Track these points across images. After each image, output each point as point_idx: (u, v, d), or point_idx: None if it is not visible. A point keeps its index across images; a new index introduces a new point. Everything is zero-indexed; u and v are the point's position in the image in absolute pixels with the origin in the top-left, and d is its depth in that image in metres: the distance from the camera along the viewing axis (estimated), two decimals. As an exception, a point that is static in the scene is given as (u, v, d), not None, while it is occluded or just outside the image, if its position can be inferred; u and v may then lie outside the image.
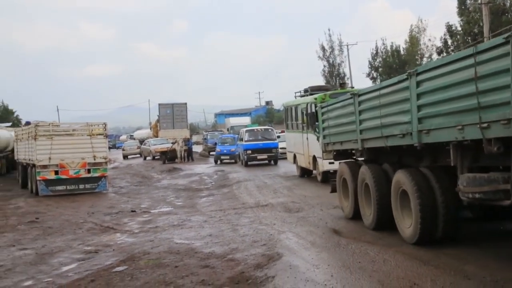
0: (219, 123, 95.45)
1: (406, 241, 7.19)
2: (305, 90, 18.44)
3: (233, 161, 28.60)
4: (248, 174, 21.90)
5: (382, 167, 8.45)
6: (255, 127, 30.04)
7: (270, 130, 27.06)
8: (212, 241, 8.74)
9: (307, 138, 16.94)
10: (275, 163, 25.55)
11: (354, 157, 10.03)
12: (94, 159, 18.13)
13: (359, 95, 8.47)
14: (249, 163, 25.71)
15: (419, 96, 6.40)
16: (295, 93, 19.34)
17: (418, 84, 6.39)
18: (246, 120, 53.20)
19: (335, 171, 14.53)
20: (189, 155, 34.01)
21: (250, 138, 25.84)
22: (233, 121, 52.87)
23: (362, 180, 8.78)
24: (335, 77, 49.07)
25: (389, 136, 7.38)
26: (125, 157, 46.32)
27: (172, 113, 44.47)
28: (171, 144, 35.53)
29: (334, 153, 10.58)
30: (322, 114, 10.77)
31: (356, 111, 8.56)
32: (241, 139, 26.42)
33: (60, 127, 19.59)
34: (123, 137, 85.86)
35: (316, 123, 14.74)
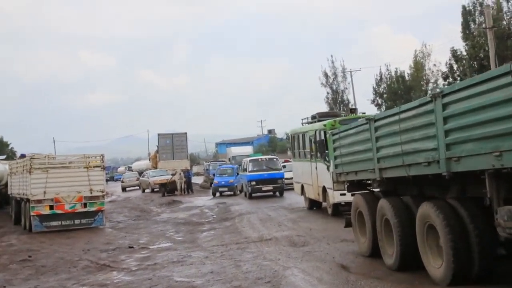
0: (220, 153, 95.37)
1: (437, 283, 6.59)
2: (313, 117, 18.21)
3: (232, 193, 28.33)
4: (251, 206, 21.67)
5: (402, 199, 7.96)
6: (259, 157, 29.87)
7: (275, 159, 26.75)
8: (213, 279, 8.52)
9: (316, 168, 16.55)
10: (281, 194, 25.22)
11: (370, 187, 9.61)
12: (91, 193, 17.95)
13: (376, 120, 8.05)
14: (253, 194, 25.38)
15: (446, 119, 5.95)
16: (302, 119, 19.13)
17: (445, 106, 5.95)
18: (248, 149, 52.97)
19: (346, 203, 14.48)
20: (189, 187, 33.74)
21: (254, 169, 25.55)
22: (235, 150, 52.59)
23: (381, 215, 8.27)
24: (339, 104, 49.04)
25: (412, 164, 6.91)
26: (124, 189, 46.03)
27: (172, 143, 44.52)
28: (171, 176, 35.32)
29: (347, 183, 10.21)
30: (333, 141, 10.46)
31: (373, 137, 8.13)
32: (245, 170, 26.14)
33: (56, 159, 19.39)
34: (121, 168, 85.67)
35: (326, 151, 14.53)
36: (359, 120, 9.61)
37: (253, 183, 24.96)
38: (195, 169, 75.51)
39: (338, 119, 15.63)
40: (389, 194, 8.38)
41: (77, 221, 17.88)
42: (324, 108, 48.66)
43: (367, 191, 9.71)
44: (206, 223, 18.09)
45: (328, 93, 50.51)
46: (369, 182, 9.44)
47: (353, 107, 18.99)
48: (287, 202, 22.02)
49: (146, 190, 38.38)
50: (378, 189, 8.94)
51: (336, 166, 10.38)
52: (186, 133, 45.08)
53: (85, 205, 17.93)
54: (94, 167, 18.34)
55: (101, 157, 18.70)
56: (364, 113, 16.30)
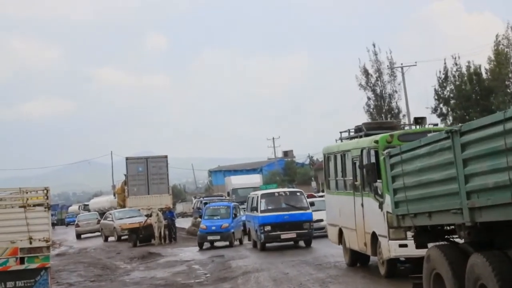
0: (215, 185, 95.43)
1: None
2: (358, 129, 17.74)
3: (226, 243, 28.15)
4: (260, 260, 21.71)
5: (508, 254, 7.46)
6: (274, 190, 29.53)
7: (298, 194, 26.40)
8: None
9: (362, 205, 16.00)
10: (308, 244, 24.92)
11: (452, 236, 9.32)
12: (30, 243, 17.60)
13: (463, 133, 7.61)
14: (267, 245, 24.98)
15: None
16: (341, 133, 18.62)
17: None
18: (256, 179, 52.43)
19: (409, 259, 14.16)
20: (170, 234, 33.60)
21: (269, 207, 25.18)
22: (237, 181, 52.09)
23: (475, 280, 7.79)
24: (385, 114, 48.78)
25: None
26: (78, 235, 46.15)
27: (146, 171, 44.37)
28: (145, 218, 35.15)
29: (415, 230, 9.90)
30: (391, 166, 10.21)
31: (459, 159, 7.69)
32: (254, 209, 25.83)
33: (-21, 194, 19.16)
34: (73, 207, 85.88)
35: (378, 180, 14.17)
36: (431, 134, 9.27)
37: (268, 228, 24.49)
38: (179, 207, 75.64)
39: (396, 133, 14.93)
40: (484, 247, 7.96)
41: (10, 284, 17.56)
42: (364, 119, 48.38)
43: (446, 242, 9.37)
44: (196, 285, 18.03)
45: (369, 98, 50.41)
46: (451, 228, 9.13)
47: (420, 117, 17.89)
48: (313, 254, 21.92)
49: (110, 238, 38.46)
50: (465, 240, 8.56)
51: (396, 204, 10.11)
52: (166, 156, 45.02)
53: (21, 260, 17.60)
54: (34, 205, 17.95)
55: (45, 191, 18.30)
56: (436, 124, 15.84)
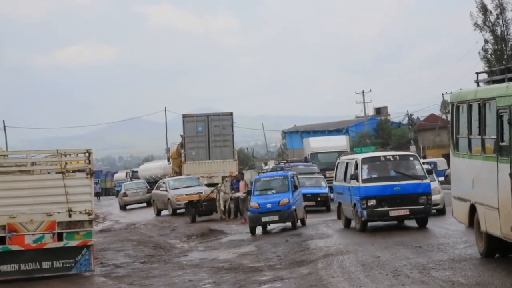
0: (289, 148, 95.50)
1: None
2: (506, 70, 16.30)
3: (287, 223, 27.35)
4: (345, 240, 21.83)
5: None
6: (379, 153, 28.65)
7: (411, 158, 25.36)
8: None
9: (510, 175, 14.70)
10: (423, 224, 24.00)
11: None
12: (70, 216, 18.21)
13: None
14: (369, 223, 24.14)
15: None
16: (477, 74, 17.38)
17: None
18: (341, 141, 51.77)
19: None
20: (238, 208, 33.78)
21: (373, 176, 24.19)
22: (317, 143, 51.78)
23: None
24: (507, 60, 47.60)
25: None
26: (123, 206, 48.15)
27: (207, 131, 44.82)
28: (206, 188, 35.44)
29: None
30: None
31: None
32: (352, 178, 24.63)
33: (10, 158, 19.94)
34: (120, 174, 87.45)
35: None
36: None
37: (372, 202, 23.39)
38: (247, 175, 75.62)
39: None
40: None
41: (46, 265, 18.12)
42: (478, 67, 47.38)
43: None
44: (267, 269, 18.26)
45: (487, 41, 49.34)
46: None
47: None
48: (419, 236, 21.60)
49: (164, 212, 38.97)
50: None
51: None
52: (231, 114, 45.34)
53: (59, 236, 18.18)
54: (74, 171, 18.56)
55: (87, 154, 18.88)
56: None
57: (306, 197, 30.85)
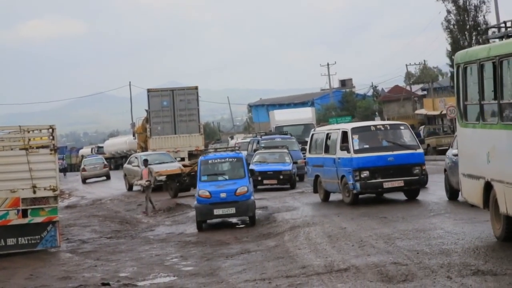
0: (255, 122, 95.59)
1: None
2: None
3: (244, 218, 23.07)
4: (312, 212, 21.85)
5: None
6: (368, 123, 26.97)
7: (402, 127, 24.54)
8: None
9: None
10: (414, 195, 23.26)
11: None
12: (34, 192, 18.17)
13: None
14: (360, 196, 23.35)
15: None
16: (486, 29, 15.48)
17: None
18: (307, 113, 51.37)
19: None
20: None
21: (365, 146, 23.25)
22: (282, 116, 51.51)
23: None
24: (469, 31, 47.99)
25: None
26: (84, 180, 51.71)
27: (172, 106, 44.58)
28: (179, 165, 35.12)
29: None
30: None
31: None
32: (341, 148, 23.51)
33: (-27, 134, 19.61)
34: (85, 149, 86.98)
35: None
36: None
37: (365, 174, 22.62)
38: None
39: None
40: None
41: (11, 241, 18.09)
42: (442, 40, 47.63)
43: None
44: (234, 242, 18.36)
45: (449, 11, 49.61)
46: None
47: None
48: (385, 207, 21.59)
49: (136, 187, 37.85)
50: None
51: None
52: (196, 88, 45.17)
53: (24, 213, 18.13)
54: (38, 147, 18.53)
55: (51, 130, 18.80)
56: None
57: (267, 174, 30.29)
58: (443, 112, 51.56)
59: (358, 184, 22.38)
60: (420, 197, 22.26)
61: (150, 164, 35.83)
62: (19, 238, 18.15)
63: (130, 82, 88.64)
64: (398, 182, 22.54)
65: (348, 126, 24.44)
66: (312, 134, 26.63)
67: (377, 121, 27.97)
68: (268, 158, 32.78)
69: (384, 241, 15.18)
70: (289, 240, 17.09)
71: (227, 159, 23.18)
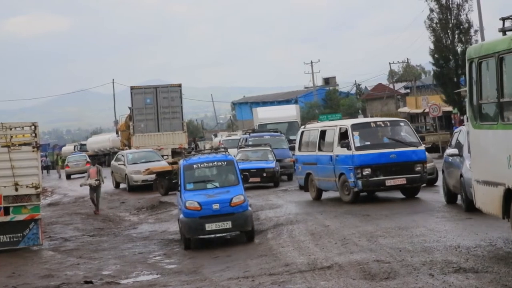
0: (239, 119, 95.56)
1: None
2: None
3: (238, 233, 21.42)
4: (295, 210, 21.92)
5: None
6: (367, 120, 27.00)
7: (402, 124, 24.12)
8: None
9: None
10: (414, 193, 22.79)
11: None
12: (16, 190, 18.09)
13: None
14: (360, 194, 22.73)
15: None
16: (503, 20, 13.41)
17: None
18: (291, 110, 51.00)
19: None
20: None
21: (366, 143, 22.71)
22: (265, 113, 51.05)
23: None
24: (452, 29, 48.20)
25: None
26: (67, 176, 52.65)
27: (156, 103, 44.54)
28: (166, 163, 34.75)
29: None
30: None
31: None
32: (344, 145, 22.88)
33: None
34: (68, 147, 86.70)
35: None
36: None
37: (367, 171, 22.13)
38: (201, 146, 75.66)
39: None
40: None
41: (-8, 240, 18.08)
42: (426, 38, 47.83)
43: None
44: (217, 241, 18.39)
45: (432, 10, 49.69)
46: None
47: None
48: (367, 205, 21.54)
49: (123, 184, 37.94)
50: None
51: None
52: (180, 85, 45.14)
53: (6, 211, 18.07)
54: (21, 145, 18.41)
55: (33, 127, 18.75)
56: None
57: (250, 172, 29.50)
58: (425, 110, 51.69)
59: (360, 182, 21.93)
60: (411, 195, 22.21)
61: (136, 163, 35.78)
62: (1, 236, 18.13)
63: (113, 79, 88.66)
64: (401, 180, 22.06)
65: (347, 123, 23.84)
66: (302, 132, 26.12)
67: (377, 118, 27.46)
68: (251, 156, 32.41)
69: (367, 239, 15.24)
70: (272, 238, 17.17)
71: (215, 162, 19.51)
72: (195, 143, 55.95)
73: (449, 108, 51.29)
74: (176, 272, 14.56)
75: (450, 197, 19.64)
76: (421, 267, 11.72)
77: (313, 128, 25.48)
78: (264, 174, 31.06)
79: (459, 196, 18.72)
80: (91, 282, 13.89)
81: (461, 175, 17.48)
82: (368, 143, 22.56)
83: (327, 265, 12.86)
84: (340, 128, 23.12)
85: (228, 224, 17.57)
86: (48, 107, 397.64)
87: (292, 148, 32.88)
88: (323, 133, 24.10)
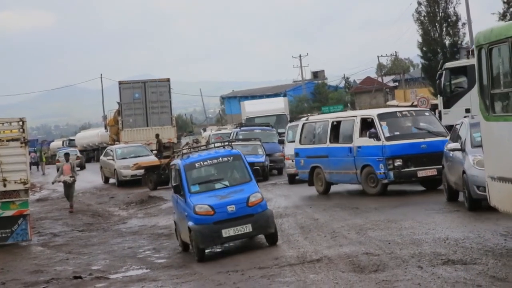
0: (228, 114, 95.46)
1: None
2: None
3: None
4: (285, 203, 21.95)
5: None
6: (392, 109, 25.63)
7: (427, 113, 23.54)
8: None
9: None
10: (436, 185, 21.67)
11: None
12: (5, 186, 18.09)
13: None
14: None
15: None
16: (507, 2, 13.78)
17: None
18: (279, 103, 50.51)
19: None
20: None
21: (396, 133, 22.00)
22: (253, 107, 50.45)
23: None
24: (440, 22, 48.30)
25: None
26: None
27: (144, 98, 44.59)
28: (155, 158, 34.73)
29: None
30: None
31: None
32: (373, 135, 21.98)
33: None
34: (56, 142, 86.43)
35: None
36: None
37: (398, 162, 21.49)
38: (185, 142, 75.43)
39: None
40: None
41: (-19, 235, 18.05)
42: (414, 32, 47.93)
43: None
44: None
45: (420, 3, 49.79)
46: None
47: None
48: (356, 198, 21.64)
49: (112, 179, 38.00)
50: None
51: None
52: (168, 80, 45.15)
53: (-6, 207, 18.09)
54: (9, 140, 18.40)
55: (21, 123, 18.72)
56: None
57: None
58: (414, 103, 51.81)
59: (391, 173, 21.22)
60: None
61: (125, 158, 35.72)
62: (-10, 232, 18.02)
63: (101, 74, 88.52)
64: (432, 171, 21.22)
65: (373, 113, 23.11)
66: (304, 124, 25.13)
67: (403, 108, 26.97)
68: (241, 150, 31.95)
69: (356, 231, 15.28)
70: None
71: (220, 159, 16.95)
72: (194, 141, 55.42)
73: (438, 101, 51.37)
74: (165, 266, 14.62)
75: (451, 195, 18.47)
76: (410, 259, 11.77)
77: (320, 120, 24.70)
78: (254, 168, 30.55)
79: (459, 194, 17.96)
80: (80, 277, 13.91)
81: (463, 172, 16.54)
82: (398, 133, 21.94)
83: (317, 258, 12.92)
84: (361, 119, 22.40)
85: (248, 228, 15.40)
86: (36, 102, 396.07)
87: (281, 142, 32.91)
88: (335, 124, 23.27)
